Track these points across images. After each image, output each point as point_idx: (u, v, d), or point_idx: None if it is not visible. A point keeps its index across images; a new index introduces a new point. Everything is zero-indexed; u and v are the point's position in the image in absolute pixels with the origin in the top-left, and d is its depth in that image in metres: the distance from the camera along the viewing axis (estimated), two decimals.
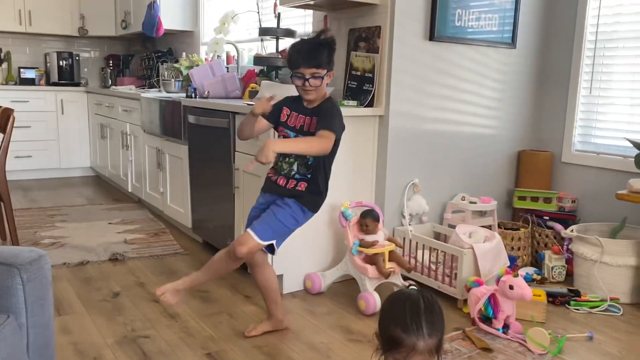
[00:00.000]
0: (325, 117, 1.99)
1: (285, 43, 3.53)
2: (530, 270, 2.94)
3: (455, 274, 2.54)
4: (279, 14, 3.37)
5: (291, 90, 2.69)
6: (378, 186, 2.88)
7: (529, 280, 2.84)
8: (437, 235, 2.93)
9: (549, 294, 2.59)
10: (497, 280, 2.28)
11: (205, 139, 3.12)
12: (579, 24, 3.13)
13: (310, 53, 1.96)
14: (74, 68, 5.72)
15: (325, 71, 1.98)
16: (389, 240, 2.57)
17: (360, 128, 2.76)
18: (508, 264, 2.60)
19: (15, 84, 5.50)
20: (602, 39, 3.06)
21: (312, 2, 2.86)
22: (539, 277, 2.88)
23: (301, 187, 2.06)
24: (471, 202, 2.95)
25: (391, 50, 2.72)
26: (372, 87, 2.79)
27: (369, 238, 2.52)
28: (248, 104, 2.67)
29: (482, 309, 2.31)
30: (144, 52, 5.71)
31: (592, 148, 3.15)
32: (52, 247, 3.26)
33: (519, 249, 3.03)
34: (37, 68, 5.69)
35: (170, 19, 4.76)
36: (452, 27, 2.89)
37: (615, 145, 3.01)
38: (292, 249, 2.63)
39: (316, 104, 2.05)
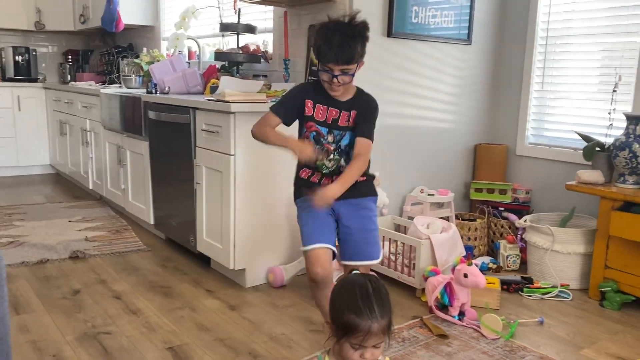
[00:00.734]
0: (366, 119, 1.85)
1: (246, 38, 3.54)
2: (487, 259, 3.04)
3: (414, 264, 2.61)
4: (239, 9, 3.38)
5: (250, 86, 2.71)
6: None
7: (485, 269, 2.94)
8: (398, 227, 3.00)
9: (503, 282, 2.69)
10: (453, 269, 2.36)
11: (166, 135, 3.11)
12: (530, 22, 3.24)
13: (342, 47, 1.72)
14: (31, 63, 5.59)
15: (355, 65, 1.79)
16: None
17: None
18: (464, 253, 2.68)
19: None
20: (553, 35, 3.18)
21: None
22: (494, 266, 2.98)
23: (361, 178, 1.90)
24: (429, 195, 3.03)
25: None
26: None
27: None
28: (209, 99, 2.68)
29: (439, 297, 2.39)
30: (104, 48, 5.62)
31: (545, 141, 3.27)
32: (9, 246, 3.20)
33: (475, 239, 3.13)
34: None
35: (130, 13, 4.70)
36: (410, 23, 2.95)
37: (566, 138, 3.14)
38: (254, 243, 2.66)
39: (350, 95, 1.88)
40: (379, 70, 2.89)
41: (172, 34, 3.88)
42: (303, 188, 1.93)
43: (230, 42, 3.81)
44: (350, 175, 1.81)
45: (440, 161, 3.30)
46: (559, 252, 2.74)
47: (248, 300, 2.54)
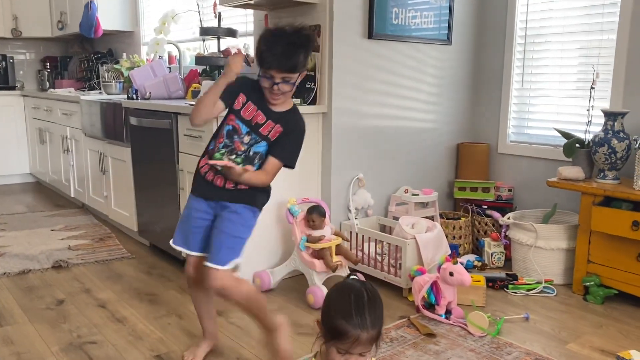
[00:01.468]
0: (288, 142, 1.81)
1: (227, 42, 3.53)
2: (472, 257, 3.07)
3: (400, 264, 2.62)
4: (219, 13, 3.37)
5: None
6: (324, 182, 2.93)
7: (470, 267, 2.96)
8: (383, 228, 3.01)
9: (489, 279, 2.72)
10: (439, 268, 2.38)
11: (148, 140, 3.09)
12: (509, 21, 3.28)
13: (285, 55, 1.70)
14: (8, 71, 5.51)
15: (297, 75, 1.76)
16: (336, 234, 2.63)
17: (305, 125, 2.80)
18: (449, 252, 2.70)
19: None
20: (531, 34, 3.22)
21: (252, 2, 2.87)
22: (479, 264, 3.00)
23: (244, 186, 1.82)
24: (413, 195, 3.05)
25: (331, 49, 2.77)
26: (314, 85, 2.84)
27: (316, 233, 2.57)
28: (190, 104, 2.66)
29: (425, 296, 2.40)
30: (83, 54, 5.56)
31: (526, 139, 3.31)
32: None
33: (460, 237, 3.15)
34: None
35: (108, 19, 4.66)
36: (390, 25, 2.97)
37: (547, 136, 3.18)
38: None
39: (283, 108, 1.83)
40: (360, 72, 2.90)
41: (152, 39, 3.85)
42: (198, 183, 1.88)
43: (211, 46, 3.80)
44: (253, 176, 1.75)
45: (424, 161, 3.32)
46: (542, 249, 2.77)
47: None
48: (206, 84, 2.70)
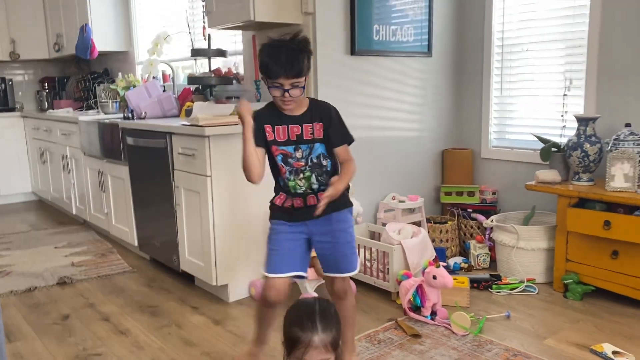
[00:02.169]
0: (334, 127, 1.89)
1: (217, 62, 3.68)
2: (459, 259, 3.20)
3: (388, 269, 2.75)
4: (209, 35, 3.51)
5: (222, 110, 2.84)
6: None
7: (457, 268, 3.09)
8: (372, 234, 3.14)
9: (473, 280, 2.85)
10: (423, 272, 2.51)
11: (145, 159, 3.22)
12: (487, 31, 3.42)
13: (290, 62, 1.76)
14: (8, 93, 5.66)
15: (304, 78, 1.81)
16: None
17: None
18: (434, 256, 2.83)
19: None
20: (508, 44, 3.36)
21: (239, 24, 3.02)
22: (466, 265, 3.13)
23: None
24: (400, 201, 3.18)
25: (315, 66, 2.91)
26: None
27: None
28: (183, 124, 2.80)
29: (412, 299, 2.53)
30: (80, 74, 5.70)
31: (507, 144, 3.45)
32: None
33: (447, 240, 3.28)
34: None
35: (103, 41, 4.80)
36: (372, 41, 3.11)
37: (526, 140, 3.31)
38: (235, 259, 2.78)
39: (303, 108, 1.89)
40: (345, 86, 3.04)
41: (145, 60, 4.00)
42: (278, 212, 1.97)
43: (203, 65, 3.94)
44: (344, 176, 1.86)
45: (411, 168, 3.46)
46: (523, 249, 2.90)
47: (232, 315, 2.66)
48: (197, 105, 2.84)
